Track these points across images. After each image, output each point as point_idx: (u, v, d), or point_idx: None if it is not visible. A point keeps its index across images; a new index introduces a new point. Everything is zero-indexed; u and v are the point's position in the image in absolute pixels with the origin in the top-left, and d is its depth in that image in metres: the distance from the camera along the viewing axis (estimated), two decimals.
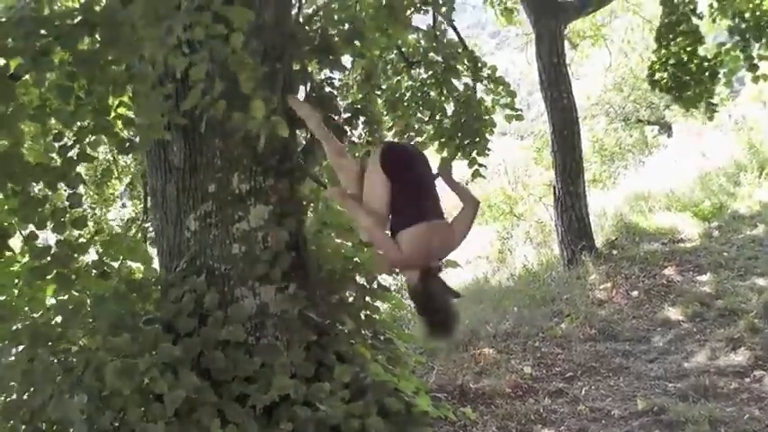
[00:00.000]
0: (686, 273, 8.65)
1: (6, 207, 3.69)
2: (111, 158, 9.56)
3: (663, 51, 10.01)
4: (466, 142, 6.19)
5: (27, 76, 3.83)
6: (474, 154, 6.28)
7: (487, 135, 6.41)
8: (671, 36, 9.87)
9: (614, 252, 10.05)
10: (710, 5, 9.88)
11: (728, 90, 18.20)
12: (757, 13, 9.49)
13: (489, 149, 6.49)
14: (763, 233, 9.37)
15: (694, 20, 9.80)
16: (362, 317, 4.96)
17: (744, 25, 9.47)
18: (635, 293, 8.29)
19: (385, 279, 5.54)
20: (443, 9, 6.01)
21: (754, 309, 6.81)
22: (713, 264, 8.65)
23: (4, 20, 3.80)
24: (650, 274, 8.87)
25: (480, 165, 6.31)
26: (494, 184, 21.12)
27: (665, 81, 10.03)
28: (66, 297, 4.27)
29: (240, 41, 3.81)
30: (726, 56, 9.74)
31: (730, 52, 9.64)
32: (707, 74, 9.76)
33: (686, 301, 7.56)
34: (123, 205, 13.43)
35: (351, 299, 4.92)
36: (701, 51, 9.90)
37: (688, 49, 9.75)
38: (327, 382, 4.17)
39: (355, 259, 4.94)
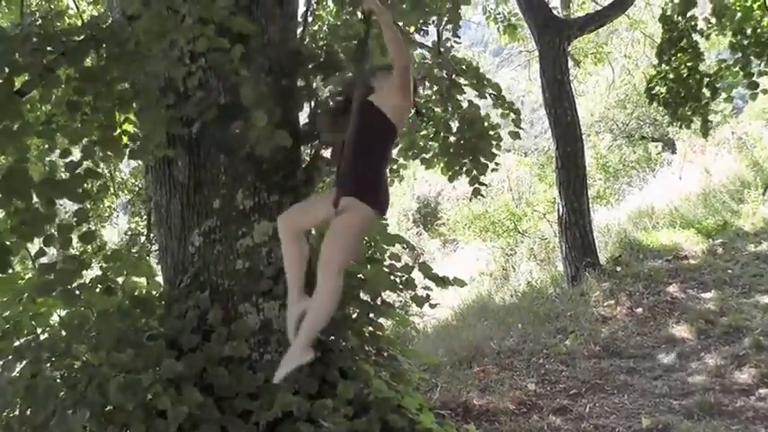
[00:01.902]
0: (690, 290, 8.62)
1: (9, 224, 3.69)
2: (108, 174, 9.60)
3: (663, 66, 10.05)
4: (470, 158, 6.19)
5: (33, 93, 3.83)
6: (475, 172, 6.28)
7: (494, 150, 6.40)
8: (672, 52, 9.90)
9: (618, 269, 10.04)
10: (707, 20, 9.92)
11: (731, 107, 18.29)
12: (758, 30, 9.52)
13: (498, 164, 6.49)
14: (767, 250, 9.35)
15: (695, 36, 9.82)
16: (366, 333, 4.97)
17: (745, 42, 9.50)
18: (639, 310, 8.27)
19: (389, 296, 5.53)
20: (449, 26, 6.02)
21: (758, 326, 6.79)
22: (717, 281, 8.63)
23: (11, 36, 3.83)
24: (654, 291, 8.84)
25: (482, 183, 6.30)
26: (498, 201, 21.14)
27: (662, 95, 10.07)
28: (70, 313, 4.27)
29: (240, 51, 3.83)
30: (726, 72, 9.77)
31: (731, 68, 9.67)
32: (707, 89, 9.79)
33: (691, 319, 7.54)
34: (116, 222, 13.55)
35: (354, 315, 4.92)
36: (702, 68, 9.93)
37: (688, 64, 9.78)
38: (331, 399, 4.17)
39: (359, 276, 4.95)
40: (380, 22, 3.78)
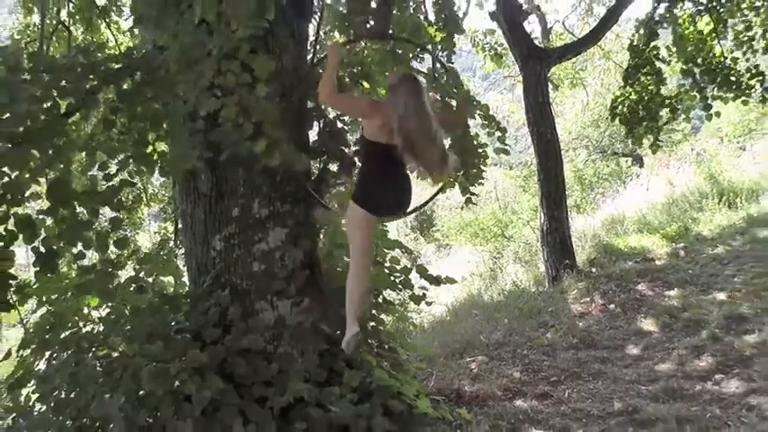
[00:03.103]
0: (656, 288, 8.61)
1: (57, 231, 3.70)
2: (141, 187, 9.65)
3: (626, 88, 10.11)
4: (461, 172, 6.18)
5: (77, 114, 3.86)
6: (466, 184, 6.27)
7: (482, 166, 6.39)
8: (637, 77, 9.96)
9: (593, 270, 10.03)
10: (668, 49, 9.98)
11: (690, 126, 18.33)
12: (707, 60, 9.62)
13: (485, 178, 6.48)
14: (723, 253, 9.34)
15: (657, 63, 9.88)
16: (369, 328, 4.96)
17: (696, 69, 9.60)
18: (611, 307, 8.25)
19: (389, 294, 5.53)
20: (444, 54, 6.02)
21: (715, 320, 6.77)
22: (680, 280, 8.61)
23: (59, 66, 3.85)
24: (625, 289, 8.83)
25: (472, 194, 6.29)
26: (486, 210, 21.15)
27: (624, 114, 10.14)
28: (107, 309, 4.29)
29: (264, 92, 3.85)
30: (684, 95, 9.84)
31: (689, 92, 9.75)
32: (667, 111, 9.86)
33: (656, 314, 7.52)
34: (148, 228, 13.65)
35: None
36: (664, 92, 9.98)
37: (650, 88, 9.85)
38: (337, 387, 4.17)
39: None
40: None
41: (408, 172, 4.13)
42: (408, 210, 4.40)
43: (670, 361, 6.22)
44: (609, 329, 7.54)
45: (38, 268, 3.65)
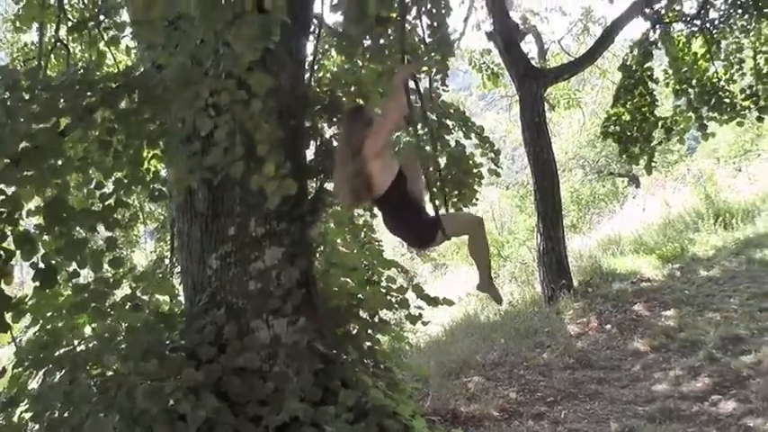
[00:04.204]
0: (653, 308, 8.62)
1: (54, 248, 3.71)
2: (138, 205, 9.66)
3: (619, 108, 10.18)
4: (455, 193, 6.20)
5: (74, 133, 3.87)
6: (460, 204, 6.29)
7: (476, 187, 6.42)
8: (628, 97, 10.03)
9: (589, 290, 10.04)
10: (665, 72, 10.07)
11: (686, 147, 18.43)
12: (701, 81, 9.70)
13: (478, 199, 6.50)
14: (719, 274, 9.36)
15: (651, 84, 9.96)
16: (365, 348, 4.96)
17: (690, 90, 9.68)
18: (608, 327, 8.26)
19: (386, 314, 5.53)
20: (438, 75, 6.06)
21: (711, 341, 6.78)
22: (676, 300, 8.63)
23: (57, 84, 3.87)
24: (621, 309, 8.85)
25: None
26: None
27: (616, 134, 10.20)
28: (102, 327, 4.28)
29: (258, 107, 3.86)
30: (679, 116, 9.91)
31: (684, 113, 9.81)
32: (662, 131, 9.92)
33: (653, 334, 7.53)
34: (144, 247, 13.65)
35: (354, 332, 4.92)
36: (658, 112, 10.06)
37: (643, 109, 9.91)
38: (333, 406, 4.15)
39: (359, 296, 4.96)
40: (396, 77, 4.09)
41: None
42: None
43: (666, 381, 6.22)
44: (605, 350, 7.54)
45: (37, 284, 3.66)
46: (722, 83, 9.69)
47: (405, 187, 4.34)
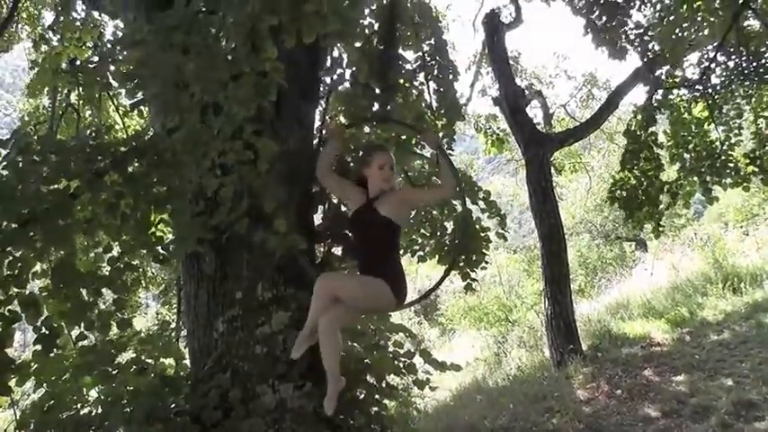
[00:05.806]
0: (663, 373, 8.51)
1: (59, 310, 3.71)
2: (140, 269, 9.71)
3: (625, 173, 10.22)
4: (462, 257, 6.20)
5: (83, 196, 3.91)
6: (467, 269, 6.27)
7: (483, 251, 6.42)
8: (634, 162, 10.08)
9: (598, 355, 9.95)
10: (666, 134, 10.15)
11: (692, 211, 18.46)
12: (701, 146, 9.78)
13: (487, 262, 6.49)
14: (729, 338, 9.25)
15: (655, 149, 10.03)
16: (372, 413, 4.89)
17: (686, 155, 9.75)
18: (618, 392, 8.14)
19: (393, 379, 5.48)
20: (444, 140, 6.13)
21: (724, 406, 6.66)
22: (686, 365, 8.52)
23: (68, 147, 3.93)
24: (631, 374, 8.73)
25: (473, 279, 6.29)
26: (490, 294, 21.07)
27: (622, 198, 10.22)
28: (106, 390, 4.26)
29: (265, 167, 3.91)
30: (684, 180, 9.95)
31: (687, 177, 9.86)
32: (667, 196, 9.94)
33: (664, 399, 7.42)
34: (146, 312, 13.64)
35: (362, 397, 4.86)
36: (664, 177, 10.10)
37: (649, 173, 9.95)
38: None
39: (366, 361, 4.91)
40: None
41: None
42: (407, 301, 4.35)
43: None
44: (615, 415, 7.42)
45: (39, 347, 3.65)
46: (724, 147, 9.76)
47: (396, 239, 4.23)
